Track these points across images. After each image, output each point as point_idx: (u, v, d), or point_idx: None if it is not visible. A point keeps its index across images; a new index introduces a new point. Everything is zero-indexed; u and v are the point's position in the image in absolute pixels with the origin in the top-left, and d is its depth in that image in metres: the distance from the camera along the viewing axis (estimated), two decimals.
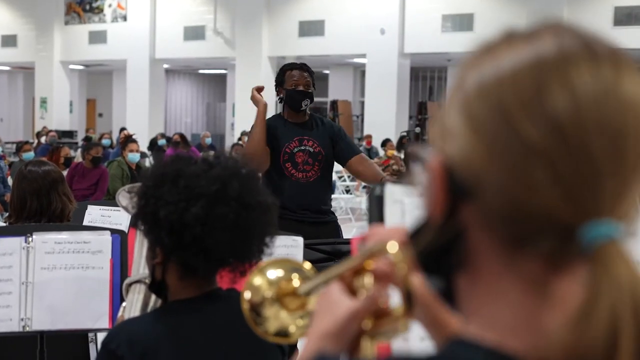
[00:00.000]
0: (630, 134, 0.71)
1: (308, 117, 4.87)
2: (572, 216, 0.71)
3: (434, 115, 0.80)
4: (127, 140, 9.49)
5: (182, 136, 16.32)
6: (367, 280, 0.96)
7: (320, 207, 4.83)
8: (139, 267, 2.16)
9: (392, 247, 0.90)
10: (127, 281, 2.18)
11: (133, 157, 9.15)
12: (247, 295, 1.17)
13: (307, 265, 1.18)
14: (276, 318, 1.16)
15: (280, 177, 4.71)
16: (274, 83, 4.93)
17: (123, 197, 2.24)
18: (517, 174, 0.71)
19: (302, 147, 4.77)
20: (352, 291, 0.97)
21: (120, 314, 2.20)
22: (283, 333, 1.16)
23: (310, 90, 4.79)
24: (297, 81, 4.76)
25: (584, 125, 0.70)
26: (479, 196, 0.74)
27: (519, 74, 0.73)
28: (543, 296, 0.73)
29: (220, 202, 1.81)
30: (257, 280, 1.18)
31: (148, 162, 14.27)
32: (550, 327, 0.71)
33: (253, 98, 4.79)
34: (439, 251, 0.78)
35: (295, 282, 1.15)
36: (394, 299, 0.95)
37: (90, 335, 3.79)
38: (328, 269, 1.04)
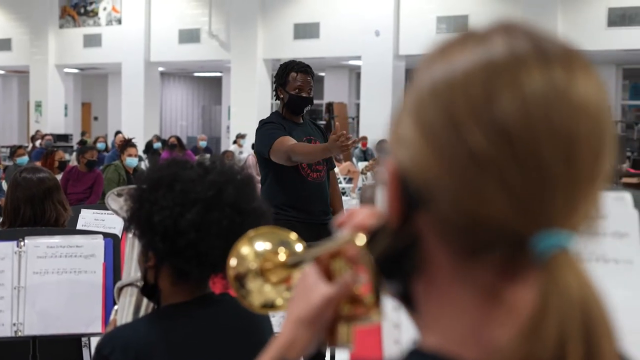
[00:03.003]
0: (582, 140, 0.68)
1: (302, 117, 4.86)
2: (522, 226, 0.68)
3: (392, 118, 0.78)
4: (126, 144, 9.42)
5: (178, 139, 16.31)
6: (343, 264, 0.95)
7: (329, 207, 4.81)
8: (130, 270, 2.15)
9: (360, 239, 0.89)
10: (118, 284, 2.17)
11: (131, 161, 9.07)
12: (232, 262, 1.16)
13: (294, 236, 1.17)
14: (260, 292, 1.15)
15: (295, 178, 4.62)
16: (274, 80, 4.85)
17: (112, 200, 2.23)
18: (467, 183, 0.69)
19: None
20: (330, 275, 0.97)
21: (112, 317, 2.19)
22: (269, 305, 1.16)
23: (312, 95, 4.78)
24: (301, 86, 4.70)
25: (534, 132, 0.68)
26: (431, 204, 0.72)
27: (468, 78, 0.70)
28: (497, 306, 0.72)
29: (215, 208, 1.81)
30: (245, 249, 1.16)
31: (143, 165, 14.25)
32: (502, 339, 0.69)
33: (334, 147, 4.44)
34: (395, 257, 0.77)
35: (281, 255, 1.14)
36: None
37: (84, 339, 3.79)
38: (313, 248, 1.03)
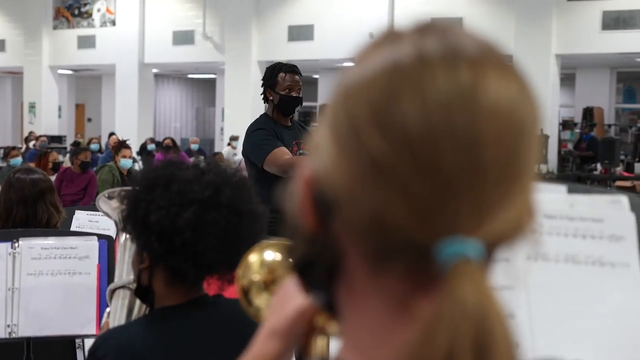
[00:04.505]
0: (487, 144, 0.65)
1: (290, 120, 4.84)
2: (424, 235, 0.65)
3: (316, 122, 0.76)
4: (121, 145, 9.41)
5: (173, 141, 16.28)
6: None
7: None
8: (122, 272, 2.15)
9: None
10: (111, 287, 2.16)
11: (125, 163, 9.05)
12: (239, 272, 1.14)
13: None
14: (269, 307, 1.11)
15: (281, 182, 4.55)
16: (262, 82, 4.83)
17: (103, 202, 2.22)
18: (369, 189, 0.66)
19: (302, 151, 4.72)
20: None
21: (104, 320, 2.19)
22: None
23: (301, 95, 4.76)
24: (290, 86, 4.68)
25: (434, 138, 0.64)
26: (340, 210, 0.69)
27: (372, 82, 0.68)
28: (407, 319, 0.68)
29: (212, 208, 1.81)
30: (253, 257, 1.13)
31: (137, 167, 14.24)
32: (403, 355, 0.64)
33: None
34: (313, 264, 0.75)
35: (282, 269, 1.11)
36: None
37: (78, 341, 3.78)
38: None
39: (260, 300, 1.12)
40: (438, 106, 0.64)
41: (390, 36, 0.71)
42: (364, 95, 0.67)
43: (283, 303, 0.95)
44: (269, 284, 1.11)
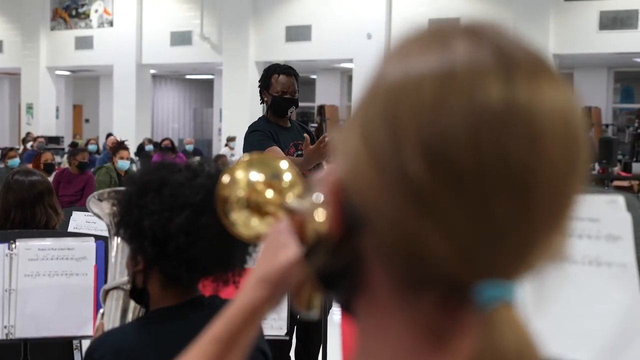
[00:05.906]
0: (540, 178, 0.60)
1: (289, 121, 4.86)
2: (464, 272, 0.61)
3: (341, 122, 0.72)
4: (119, 146, 9.38)
5: (172, 142, 16.26)
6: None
7: None
8: (115, 273, 2.14)
9: (320, 215, 0.78)
10: (105, 287, 2.16)
11: (123, 164, 9.03)
12: (224, 180, 1.11)
13: (284, 165, 1.11)
14: (246, 226, 1.09)
15: None
16: (258, 84, 4.88)
17: (93, 204, 2.22)
18: (407, 216, 0.61)
19: (300, 152, 4.74)
20: (304, 233, 0.87)
21: (98, 321, 2.18)
22: (259, 237, 1.08)
23: (296, 97, 4.77)
24: (284, 88, 4.71)
25: (484, 167, 0.59)
26: (372, 228, 0.64)
27: (418, 90, 0.61)
28: (439, 345, 0.65)
29: (204, 212, 1.80)
30: (240, 174, 1.11)
31: (135, 167, 14.23)
32: None
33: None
34: (335, 273, 0.71)
35: (269, 192, 1.09)
36: None
37: (75, 342, 3.78)
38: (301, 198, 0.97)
39: (238, 216, 1.09)
40: (490, 126, 0.59)
41: (438, 36, 0.66)
42: (406, 103, 0.61)
43: (275, 251, 0.91)
44: (251, 204, 1.09)
